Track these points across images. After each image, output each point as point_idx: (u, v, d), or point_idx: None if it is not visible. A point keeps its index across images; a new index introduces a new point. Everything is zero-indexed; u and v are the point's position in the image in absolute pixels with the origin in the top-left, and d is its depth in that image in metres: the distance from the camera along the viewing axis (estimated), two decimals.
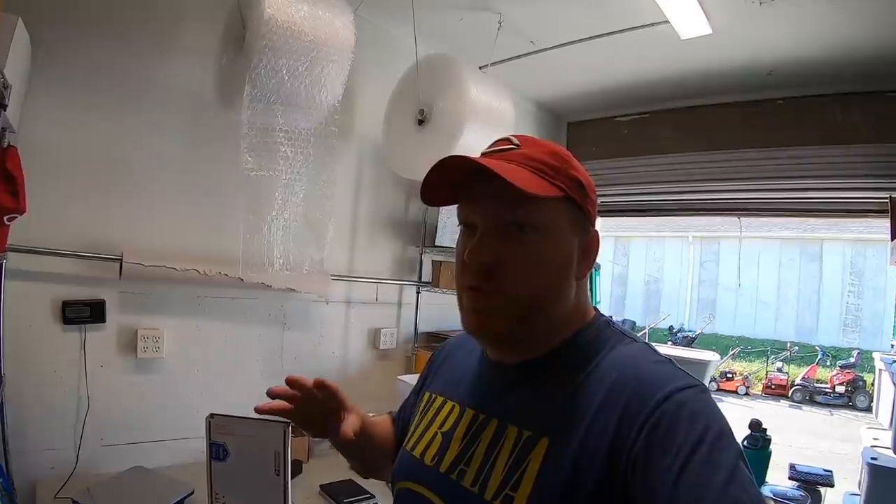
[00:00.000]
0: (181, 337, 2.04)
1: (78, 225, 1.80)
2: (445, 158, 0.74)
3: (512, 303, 0.75)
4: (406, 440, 0.92)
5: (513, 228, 0.75)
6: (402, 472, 0.88)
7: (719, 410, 0.66)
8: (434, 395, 0.94)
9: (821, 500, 2.18)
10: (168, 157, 1.99)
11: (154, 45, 1.92)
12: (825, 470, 2.25)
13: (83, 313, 1.79)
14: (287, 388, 0.89)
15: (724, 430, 0.63)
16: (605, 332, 0.80)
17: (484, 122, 2.24)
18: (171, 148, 2.00)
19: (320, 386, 0.87)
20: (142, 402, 1.95)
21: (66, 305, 1.77)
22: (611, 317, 0.86)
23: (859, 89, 2.75)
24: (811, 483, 2.16)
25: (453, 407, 0.87)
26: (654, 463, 0.61)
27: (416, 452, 0.86)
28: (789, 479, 2.22)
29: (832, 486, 2.20)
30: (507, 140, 0.80)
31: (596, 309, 0.86)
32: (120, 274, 1.83)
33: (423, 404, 0.95)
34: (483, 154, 0.80)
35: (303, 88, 1.66)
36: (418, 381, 1.07)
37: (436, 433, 0.86)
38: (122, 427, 1.90)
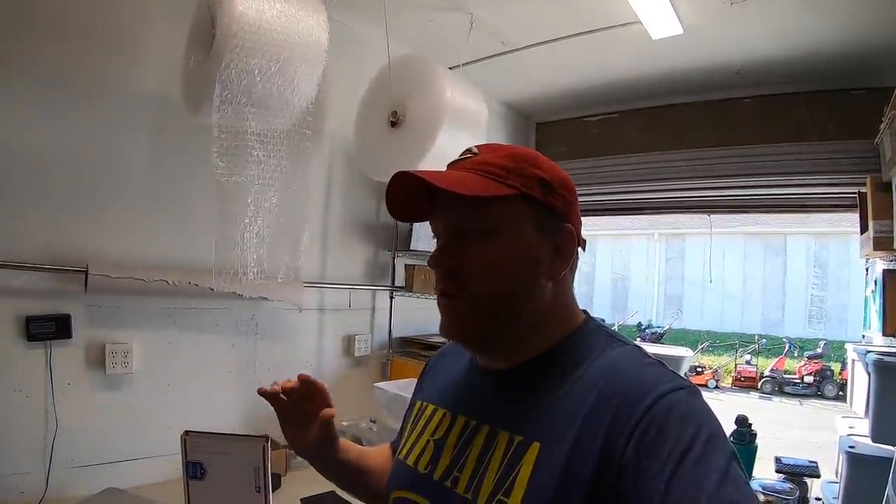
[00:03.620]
0: (151, 350, 1.97)
1: (40, 236, 1.72)
2: (391, 178, 0.77)
3: (478, 304, 0.76)
4: (399, 450, 0.92)
5: (464, 232, 0.77)
6: (395, 481, 0.88)
7: (711, 411, 0.66)
8: (425, 404, 0.93)
9: (808, 491, 2.23)
10: (135, 163, 1.92)
11: (118, 46, 1.85)
12: (810, 461, 2.30)
13: (48, 329, 1.71)
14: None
15: (716, 431, 0.63)
16: (594, 336, 0.80)
17: (458, 123, 2.21)
18: (139, 153, 1.93)
19: (304, 382, 0.91)
20: (112, 420, 1.87)
21: (30, 321, 1.68)
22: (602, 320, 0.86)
23: (826, 87, 2.81)
24: (797, 475, 2.21)
25: (444, 414, 0.87)
26: (645, 466, 0.60)
27: (410, 461, 0.86)
28: (776, 471, 2.26)
29: (818, 476, 2.25)
30: (468, 150, 0.82)
31: (586, 312, 0.85)
32: (86, 287, 1.76)
33: (414, 413, 0.95)
34: (448, 166, 0.83)
35: (275, 89, 1.61)
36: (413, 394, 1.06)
37: (428, 441, 0.85)
38: (92, 447, 1.82)
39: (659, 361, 0.74)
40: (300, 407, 0.93)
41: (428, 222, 0.85)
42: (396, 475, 0.89)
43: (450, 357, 0.99)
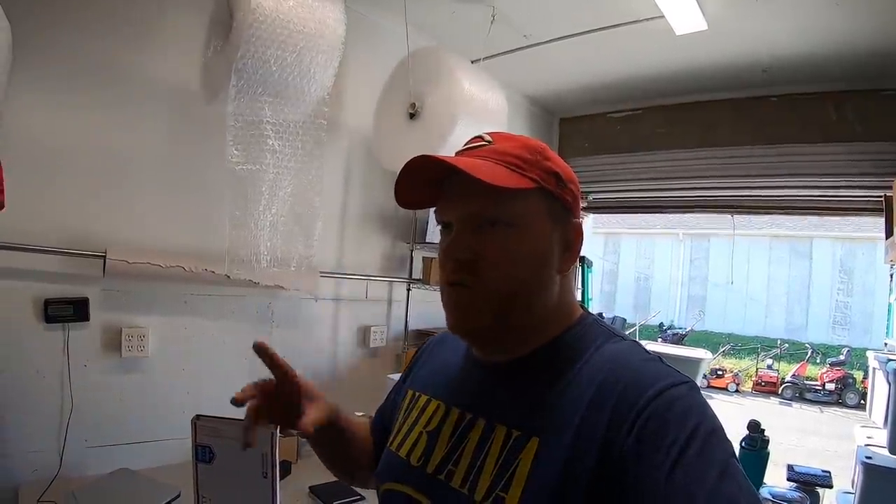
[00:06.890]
0: (167, 335, 2.00)
1: (60, 221, 1.75)
2: (411, 160, 0.75)
3: (492, 297, 0.75)
4: (390, 440, 0.90)
5: (486, 223, 0.75)
6: (386, 472, 0.86)
7: (710, 407, 0.66)
8: (418, 394, 0.92)
9: (819, 501, 2.18)
10: (153, 151, 1.94)
11: (139, 36, 1.87)
12: (823, 471, 2.24)
13: (66, 312, 1.74)
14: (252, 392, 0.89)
15: (716, 427, 0.63)
16: (593, 330, 0.79)
17: (477, 116, 2.20)
18: (156, 142, 1.95)
19: (265, 355, 0.87)
20: (126, 403, 1.90)
21: (49, 304, 1.72)
22: (600, 314, 0.85)
23: (854, 87, 2.74)
24: (809, 484, 2.15)
25: (438, 406, 0.85)
26: (645, 460, 0.60)
27: (402, 453, 0.84)
28: (787, 479, 2.20)
29: (831, 487, 2.19)
30: (479, 137, 0.80)
31: (583, 307, 0.85)
32: (103, 271, 1.78)
33: (406, 402, 0.93)
34: (457, 153, 0.80)
35: (291, 80, 1.62)
36: (400, 379, 1.05)
37: (421, 433, 0.84)
38: (106, 428, 1.85)
39: (658, 358, 0.73)
40: (277, 396, 0.89)
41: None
42: (387, 467, 0.87)
43: (444, 346, 0.97)
